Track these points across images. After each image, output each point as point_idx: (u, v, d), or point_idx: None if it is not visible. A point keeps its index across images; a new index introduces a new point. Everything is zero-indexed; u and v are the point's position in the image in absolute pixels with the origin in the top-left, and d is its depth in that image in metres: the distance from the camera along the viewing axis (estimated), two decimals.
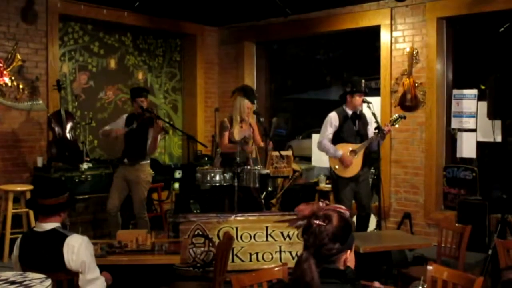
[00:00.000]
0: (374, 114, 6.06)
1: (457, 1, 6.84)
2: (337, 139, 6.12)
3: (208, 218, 5.53)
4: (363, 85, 6.10)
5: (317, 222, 2.11)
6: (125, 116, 6.48)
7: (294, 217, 2.22)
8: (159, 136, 6.28)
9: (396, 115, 6.24)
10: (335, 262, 2.13)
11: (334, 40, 10.19)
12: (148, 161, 6.40)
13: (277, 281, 3.20)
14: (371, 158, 6.21)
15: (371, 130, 6.15)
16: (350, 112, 6.12)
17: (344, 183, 6.08)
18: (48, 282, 2.57)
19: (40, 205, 3.41)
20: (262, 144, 6.63)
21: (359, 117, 6.15)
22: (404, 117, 6.26)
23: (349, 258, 2.17)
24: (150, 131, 6.24)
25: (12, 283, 2.53)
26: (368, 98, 6.16)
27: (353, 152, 6.02)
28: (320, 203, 2.23)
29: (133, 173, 6.24)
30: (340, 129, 6.10)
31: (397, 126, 6.26)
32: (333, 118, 6.12)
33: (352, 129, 6.12)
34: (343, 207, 2.24)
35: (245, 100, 6.39)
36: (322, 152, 6.32)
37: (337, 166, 6.07)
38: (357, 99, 6.03)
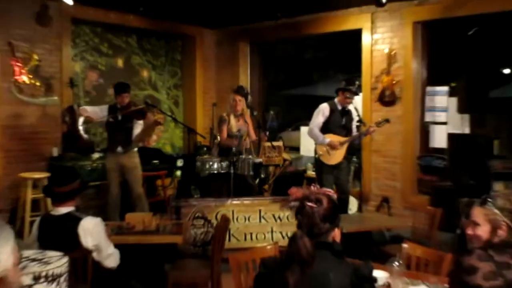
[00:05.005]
0: (356, 109, 6.11)
1: (431, 7, 6.87)
2: (324, 130, 6.17)
3: (207, 202, 5.57)
4: (355, 86, 6.12)
5: (310, 204, 2.18)
6: (105, 106, 6.39)
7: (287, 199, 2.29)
8: (153, 128, 6.24)
9: (383, 118, 6.26)
10: (325, 237, 2.19)
11: (320, 41, 10.16)
12: (136, 149, 6.42)
13: (266, 259, 3.25)
14: (353, 148, 6.26)
15: (355, 125, 6.21)
16: (339, 106, 6.16)
17: (327, 169, 6.14)
18: (65, 259, 2.59)
19: (56, 193, 3.45)
20: (255, 137, 6.66)
21: (347, 113, 6.19)
22: (388, 121, 6.26)
23: (335, 235, 2.23)
24: (135, 122, 6.22)
25: (33, 260, 2.55)
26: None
27: (340, 144, 6.08)
28: (312, 187, 2.29)
29: (129, 160, 6.25)
30: (329, 120, 6.15)
31: (379, 127, 6.27)
32: (324, 108, 6.17)
33: (339, 122, 6.16)
34: (331, 190, 2.30)
35: (233, 94, 6.46)
36: (311, 138, 6.34)
37: (321, 153, 6.14)
38: (347, 95, 6.06)
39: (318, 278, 2.05)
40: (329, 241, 2.19)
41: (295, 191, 2.25)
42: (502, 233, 2.32)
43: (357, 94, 6.19)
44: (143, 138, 6.38)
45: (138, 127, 6.27)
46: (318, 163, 6.29)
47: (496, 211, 2.33)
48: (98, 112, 6.33)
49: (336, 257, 2.15)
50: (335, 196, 2.27)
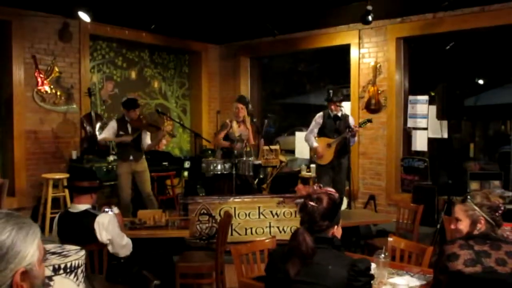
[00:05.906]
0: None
1: (412, 24, 6.87)
2: (320, 133, 6.22)
3: (211, 200, 5.53)
4: (337, 95, 6.18)
5: (311, 203, 2.13)
6: (114, 122, 6.09)
7: (294, 195, 2.25)
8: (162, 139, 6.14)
9: (365, 119, 6.25)
10: (325, 233, 2.14)
11: (312, 55, 10.15)
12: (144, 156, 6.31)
13: (274, 249, 3.20)
14: (344, 152, 6.22)
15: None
16: (332, 114, 6.16)
17: (322, 170, 6.14)
18: (83, 252, 2.55)
19: (76, 186, 3.44)
20: (254, 142, 6.63)
21: (340, 118, 6.15)
22: (371, 121, 6.25)
23: (336, 232, 2.18)
24: (144, 134, 6.09)
25: (53, 253, 2.51)
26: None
27: (328, 145, 6.07)
28: (315, 187, 2.24)
29: (140, 166, 6.13)
30: (324, 125, 6.18)
31: (362, 127, 6.25)
32: (318, 117, 6.24)
33: (332, 126, 6.15)
34: (333, 190, 2.23)
35: (236, 103, 6.43)
36: (306, 142, 6.41)
37: (314, 155, 6.18)
38: (332, 105, 6.09)
39: (317, 269, 2.02)
40: (329, 237, 2.13)
41: (301, 189, 2.21)
42: (481, 226, 2.30)
43: (341, 100, 6.17)
44: (154, 145, 6.31)
45: (146, 137, 6.18)
46: (315, 165, 6.35)
47: (475, 207, 2.30)
48: (111, 133, 6.06)
49: (335, 251, 2.11)
50: (336, 195, 2.20)
